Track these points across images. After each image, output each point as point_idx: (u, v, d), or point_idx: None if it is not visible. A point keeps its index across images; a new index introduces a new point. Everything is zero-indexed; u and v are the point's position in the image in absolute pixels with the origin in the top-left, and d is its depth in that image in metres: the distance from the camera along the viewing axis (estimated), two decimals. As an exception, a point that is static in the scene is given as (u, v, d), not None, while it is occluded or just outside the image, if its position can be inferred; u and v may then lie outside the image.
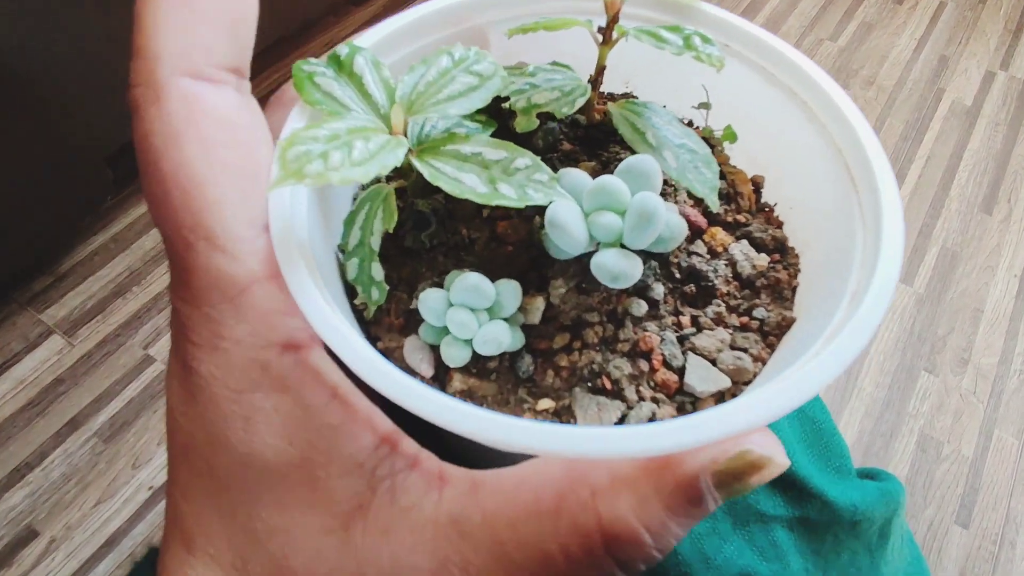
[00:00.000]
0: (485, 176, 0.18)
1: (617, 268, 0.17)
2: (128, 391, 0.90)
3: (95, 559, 0.79)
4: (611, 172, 0.23)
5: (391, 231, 0.19)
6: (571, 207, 0.18)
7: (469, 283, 0.18)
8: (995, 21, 1.44)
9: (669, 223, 0.18)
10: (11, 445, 0.86)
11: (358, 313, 0.21)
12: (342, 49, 0.20)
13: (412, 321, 0.21)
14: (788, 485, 0.28)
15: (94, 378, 0.91)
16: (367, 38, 0.21)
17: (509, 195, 0.18)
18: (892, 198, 0.18)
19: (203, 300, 0.16)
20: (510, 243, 0.22)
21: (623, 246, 0.18)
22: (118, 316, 0.95)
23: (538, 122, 0.20)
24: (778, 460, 0.15)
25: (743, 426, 0.14)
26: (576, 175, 0.19)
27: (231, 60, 0.17)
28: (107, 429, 0.87)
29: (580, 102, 0.20)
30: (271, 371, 0.16)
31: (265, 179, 0.17)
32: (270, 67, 1.25)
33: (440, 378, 0.20)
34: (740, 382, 0.19)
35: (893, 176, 0.19)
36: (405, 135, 0.19)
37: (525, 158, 0.19)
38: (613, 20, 0.21)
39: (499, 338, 0.18)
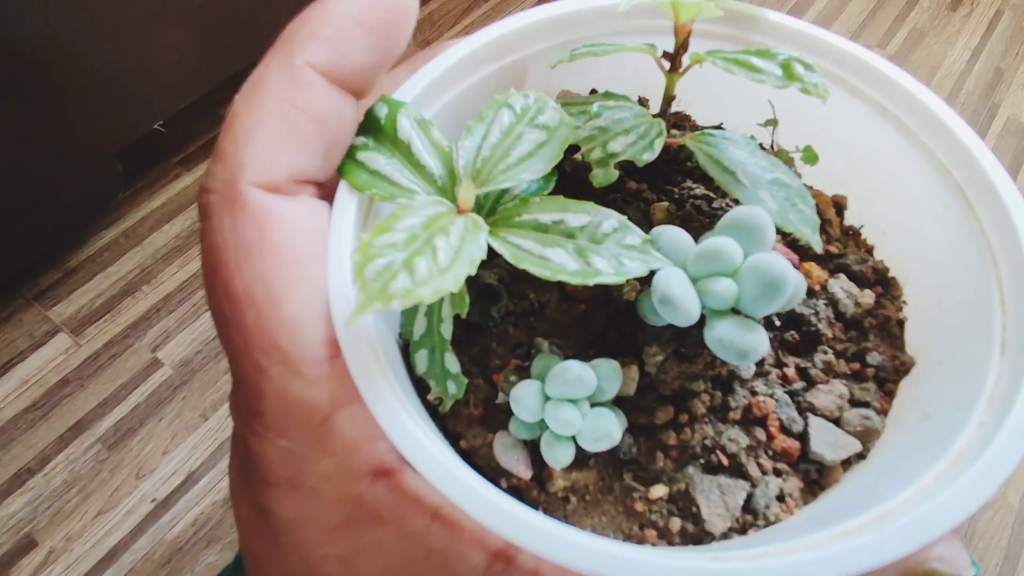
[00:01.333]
0: (573, 248, 0.16)
1: (745, 344, 0.15)
2: (134, 396, 0.86)
3: (93, 573, 0.75)
4: (689, 212, 0.21)
5: (463, 316, 0.17)
6: (682, 279, 0.15)
7: (572, 375, 0.16)
8: (1056, 31, 1.29)
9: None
10: (13, 448, 0.81)
11: (430, 407, 0.18)
12: (380, 109, 0.17)
13: (493, 410, 0.18)
14: None
15: (100, 381, 0.86)
16: (405, 91, 0.18)
17: (605, 270, 0.15)
18: None
19: (280, 432, 0.14)
20: (582, 300, 0.20)
21: (734, 311, 0.16)
22: (127, 316, 0.91)
23: (617, 174, 0.18)
24: (964, 575, 0.13)
25: (931, 538, 0.12)
26: (672, 234, 0.17)
27: (316, 176, 0.16)
28: (111, 435, 0.83)
29: (659, 144, 0.18)
30: (365, 504, 0.14)
31: (328, 291, 0.15)
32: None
33: (538, 476, 0.18)
34: (869, 442, 0.18)
35: (1021, 199, 0.17)
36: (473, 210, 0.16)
37: (611, 219, 0.16)
38: (683, 46, 0.18)
39: (611, 433, 0.16)
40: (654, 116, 0.19)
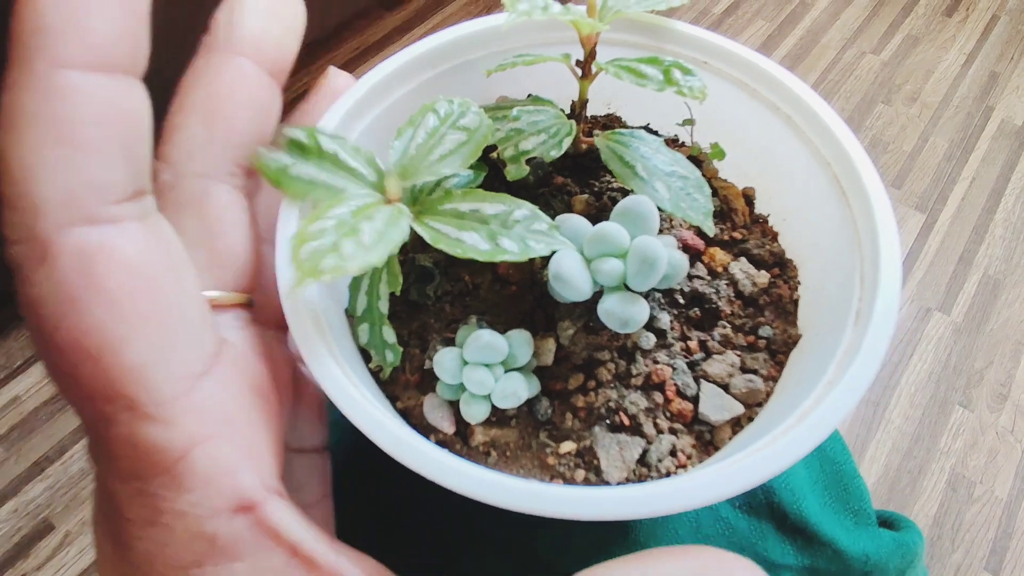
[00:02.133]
0: (485, 232, 0.18)
1: (625, 314, 0.17)
2: (147, 389, 0.92)
3: (107, 556, 0.81)
4: (605, 203, 0.23)
5: (398, 293, 0.20)
6: (574, 258, 0.18)
7: (482, 342, 0.18)
8: (1051, 35, 1.33)
9: (672, 261, 0.18)
10: (33, 438, 0.88)
11: (374, 374, 0.21)
12: (298, 135, 0.19)
13: (428, 376, 0.21)
14: (799, 532, 0.27)
15: (115, 375, 0.93)
16: (342, 101, 0.21)
17: (511, 249, 0.18)
18: (884, 211, 0.18)
19: (133, 476, 0.14)
20: (514, 283, 0.22)
21: (626, 287, 0.19)
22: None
23: (528, 169, 0.20)
24: None
25: (767, 475, 0.15)
26: (574, 221, 0.19)
27: (130, 187, 0.14)
28: (124, 426, 0.90)
29: (567, 142, 0.20)
30: (221, 540, 0.14)
31: (189, 316, 0.15)
32: (301, 70, 1.19)
33: (462, 432, 0.20)
34: (753, 404, 0.20)
35: (883, 188, 0.19)
36: (400, 200, 0.19)
37: (523, 209, 0.19)
38: (591, 55, 0.21)
39: (517, 392, 0.18)
40: (570, 117, 0.22)
